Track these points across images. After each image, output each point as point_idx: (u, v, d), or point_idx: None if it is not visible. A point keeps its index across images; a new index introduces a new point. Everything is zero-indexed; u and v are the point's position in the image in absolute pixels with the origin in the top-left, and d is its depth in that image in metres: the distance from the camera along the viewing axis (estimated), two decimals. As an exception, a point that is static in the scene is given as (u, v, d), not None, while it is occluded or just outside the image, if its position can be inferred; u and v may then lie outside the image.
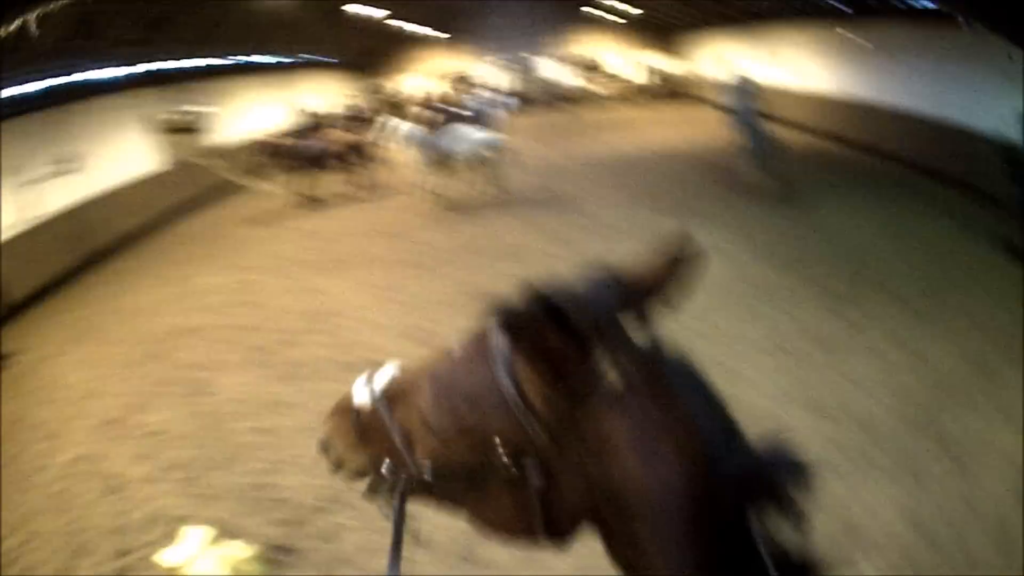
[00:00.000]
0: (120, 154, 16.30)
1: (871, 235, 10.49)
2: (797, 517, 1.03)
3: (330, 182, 16.43)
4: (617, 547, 1.14)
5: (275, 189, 16.24)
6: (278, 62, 23.60)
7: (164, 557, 5.18)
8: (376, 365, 1.45)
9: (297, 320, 9.40)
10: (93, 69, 14.51)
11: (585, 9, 30.30)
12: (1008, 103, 10.26)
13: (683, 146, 18.45)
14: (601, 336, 1.07)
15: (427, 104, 22.08)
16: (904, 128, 14.43)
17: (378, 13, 21.84)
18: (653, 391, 1.09)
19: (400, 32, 28.63)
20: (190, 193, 18.24)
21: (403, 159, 13.53)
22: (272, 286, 10.81)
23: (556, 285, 1.11)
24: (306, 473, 6.37)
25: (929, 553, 4.51)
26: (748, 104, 12.56)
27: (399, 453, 1.30)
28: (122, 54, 14.82)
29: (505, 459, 1.15)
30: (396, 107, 20.89)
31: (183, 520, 5.84)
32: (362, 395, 1.37)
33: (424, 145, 13.36)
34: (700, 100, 28.00)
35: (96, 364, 9.57)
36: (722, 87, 13.78)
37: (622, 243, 10.20)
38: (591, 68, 33.77)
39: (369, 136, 15.26)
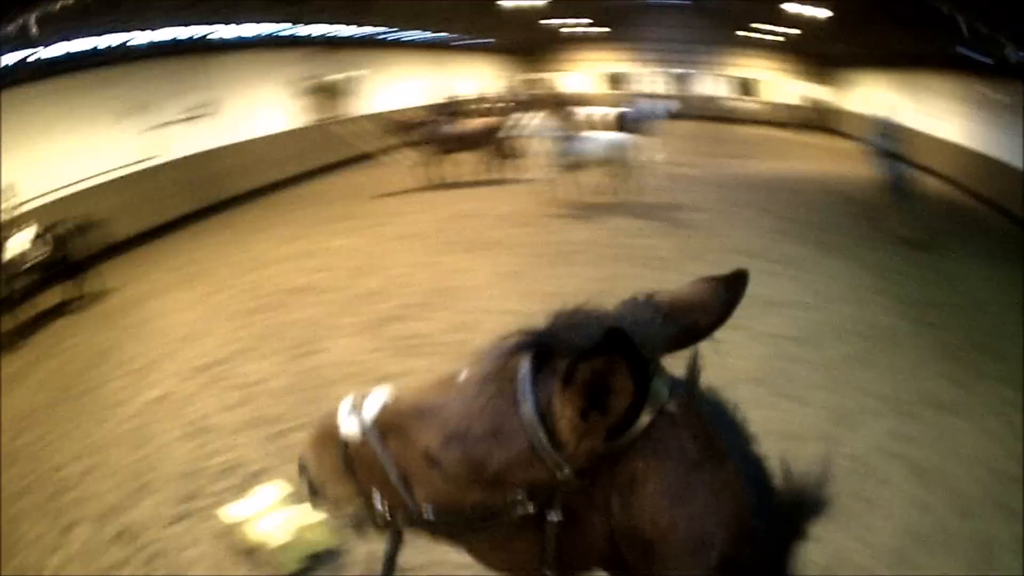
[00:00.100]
0: (258, 109, 16.61)
1: (988, 291, 10.10)
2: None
3: (463, 165, 16.26)
4: None
5: (410, 164, 16.02)
6: (430, 39, 23.54)
7: (229, 510, 4.95)
8: (363, 390, 1.31)
9: (417, 294, 9.13)
10: (241, 23, 14.70)
11: (745, 31, 29.69)
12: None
13: (822, 177, 17.98)
14: (643, 370, 0.98)
15: (575, 101, 21.82)
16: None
17: (538, 3, 21.30)
18: (693, 431, 1.05)
19: (558, 26, 28.41)
20: (325, 156, 18.43)
21: (537, 152, 13.17)
22: (397, 258, 10.58)
23: (601, 315, 1.14)
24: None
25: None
26: (891, 145, 12.47)
27: (395, 491, 1.19)
28: (276, 11, 14.90)
29: (523, 498, 1.07)
30: (543, 100, 20.52)
31: (259, 476, 5.57)
32: (350, 424, 1.24)
33: (560, 141, 13.06)
34: (845, 134, 27.32)
35: (201, 309, 9.44)
36: (868, 124, 13.72)
37: (741, 264, 9.35)
38: (744, 89, 33.16)
39: (508, 125, 14.99)
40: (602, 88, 30.85)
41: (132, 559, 4.92)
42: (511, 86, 28.89)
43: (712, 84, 33.88)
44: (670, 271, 9.11)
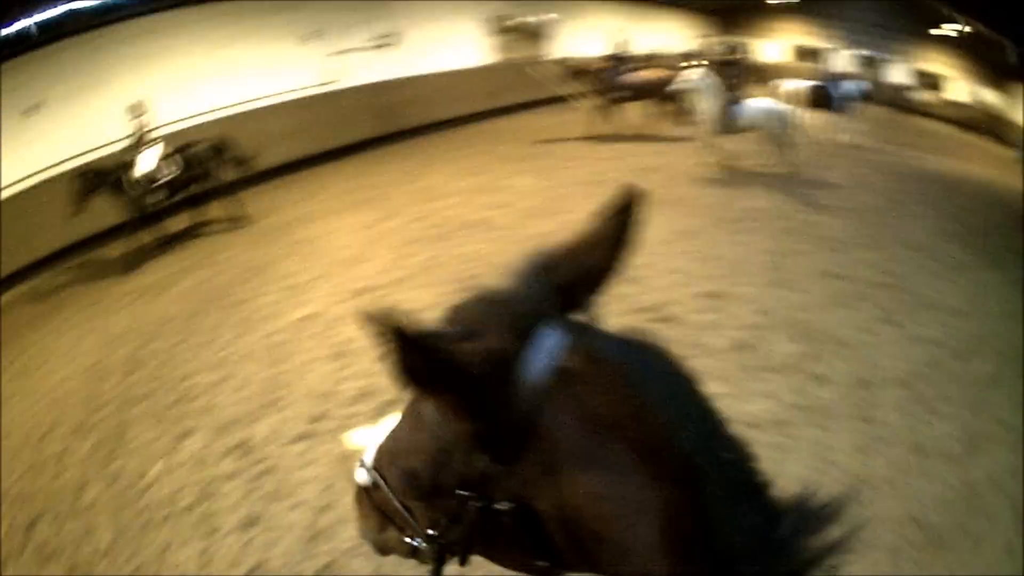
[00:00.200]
0: (444, 43, 16.53)
1: None
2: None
3: (637, 116, 15.72)
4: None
5: (589, 111, 15.58)
6: None
7: (353, 436, 4.73)
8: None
9: None
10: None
11: (933, 26, 27.76)
12: None
13: (987, 183, 16.56)
14: (515, 338, 0.99)
15: (762, 68, 21.35)
16: None
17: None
18: (601, 386, 0.98)
19: None
20: (511, 96, 18.14)
21: (703, 111, 12.34)
22: (573, 203, 9.89)
23: (487, 296, 1.09)
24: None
25: None
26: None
27: (407, 521, 1.25)
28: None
29: (469, 496, 1.07)
30: (723, 62, 19.79)
31: (393, 406, 4.95)
32: (361, 474, 1.33)
33: (725, 103, 12.41)
34: (1011, 144, 25.37)
35: (368, 234, 9.21)
36: None
37: (894, 255, 8.76)
38: (926, 82, 31.09)
39: (678, 79, 14.34)
40: (790, 60, 29.74)
41: (242, 473, 4.81)
42: (696, 45, 28.32)
43: (897, 72, 32.05)
44: (838, 253, 8.36)
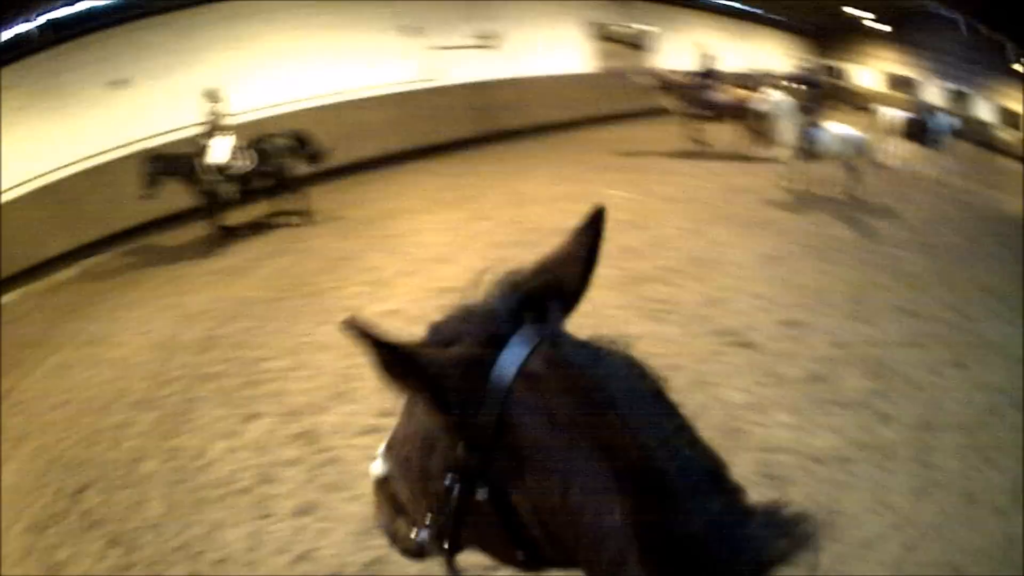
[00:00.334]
0: (544, 47, 16.58)
1: None
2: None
3: (722, 134, 15.51)
4: (587, 569, 1.11)
5: (681, 126, 15.61)
6: (724, 6, 23.17)
7: None
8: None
9: (676, 259, 8.66)
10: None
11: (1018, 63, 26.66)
12: None
13: None
14: (486, 345, 1.10)
15: (852, 95, 21.02)
16: None
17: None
18: (562, 387, 1.06)
19: (851, 16, 26.82)
20: (608, 105, 17.93)
21: (783, 133, 12.44)
22: (664, 218, 10.07)
23: (468, 307, 1.21)
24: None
25: None
26: None
27: (410, 510, 1.37)
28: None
29: (451, 482, 1.16)
30: (810, 86, 19.54)
31: None
32: (376, 465, 1.44)
33: (804, 127, 12.32)
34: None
35: (457, 234, 9.19)
36: None
37: (967, 297, 8.55)
38: (1009, 120, 29.88)
39: (760, 101, 14.12)
40: (883, 87, 29.24)
41: (305, 460, 4.81)
42: (782, 66, 28.11)
43: (981, 108, 31.15)
44: (916, 290, 8.19)
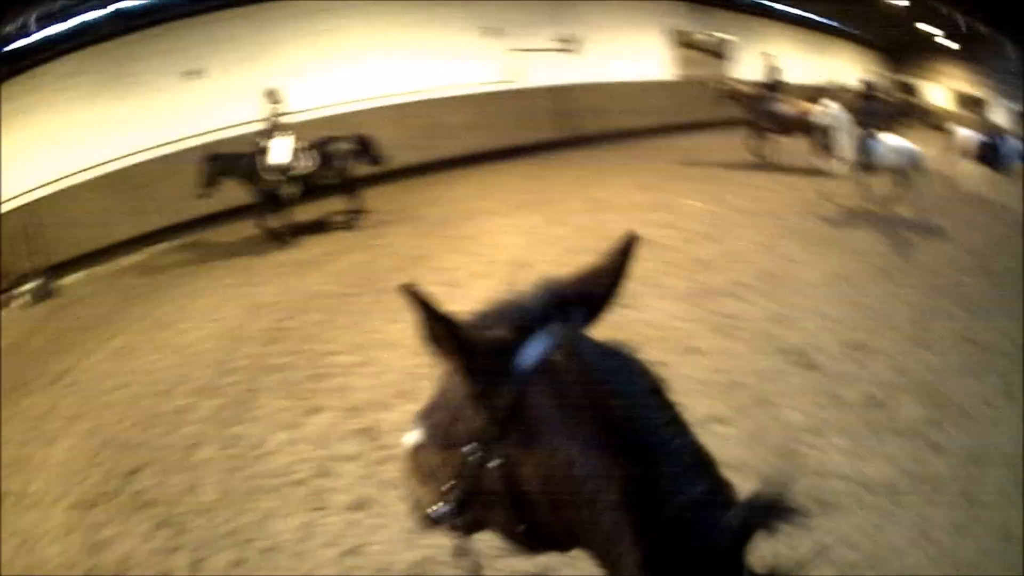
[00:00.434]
0: (627, 52, 16.60)
1: None
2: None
3: (793, 146, 15.32)
4: (585, 545, 1.26)
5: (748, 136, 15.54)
6: (805, 18, 23.12)
7: None
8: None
9: (748, 274, 8.60)
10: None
11: None
12: None
13: None
14: (518, 333, 1.24)
15: (922, 111, 20.94)
16: None
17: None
18: (574, 377, 1.21)
19: (925, 33, 26.27)
20: (689, 113, 17.89)
21: (843, 147, 12.47)
22: (739, 231, 10.08)
23: (513, 299, 1.35)
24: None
25: None
26: None
27: (435, 477, 1.46)
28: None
29: (472, 450, 1.29)
30: (866, 99, 19.23)
31: None
32: (412, 434, 1.52)
33: (861, 141, 12.28)
34: None
35: (532, 238, 9.19)
36: None
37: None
38: None
39: (816, 116, 13.91)
40: (952, 106, 28.45)
41: (363, 456, 4.86)
42: (844, 80, 27.64)
43: None
44: (976, 318, 7.94)
